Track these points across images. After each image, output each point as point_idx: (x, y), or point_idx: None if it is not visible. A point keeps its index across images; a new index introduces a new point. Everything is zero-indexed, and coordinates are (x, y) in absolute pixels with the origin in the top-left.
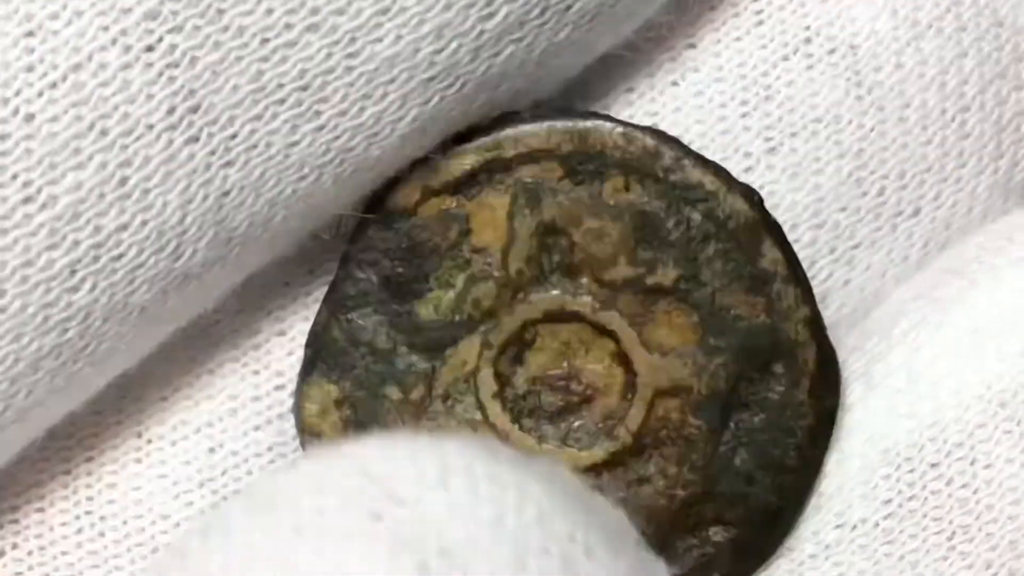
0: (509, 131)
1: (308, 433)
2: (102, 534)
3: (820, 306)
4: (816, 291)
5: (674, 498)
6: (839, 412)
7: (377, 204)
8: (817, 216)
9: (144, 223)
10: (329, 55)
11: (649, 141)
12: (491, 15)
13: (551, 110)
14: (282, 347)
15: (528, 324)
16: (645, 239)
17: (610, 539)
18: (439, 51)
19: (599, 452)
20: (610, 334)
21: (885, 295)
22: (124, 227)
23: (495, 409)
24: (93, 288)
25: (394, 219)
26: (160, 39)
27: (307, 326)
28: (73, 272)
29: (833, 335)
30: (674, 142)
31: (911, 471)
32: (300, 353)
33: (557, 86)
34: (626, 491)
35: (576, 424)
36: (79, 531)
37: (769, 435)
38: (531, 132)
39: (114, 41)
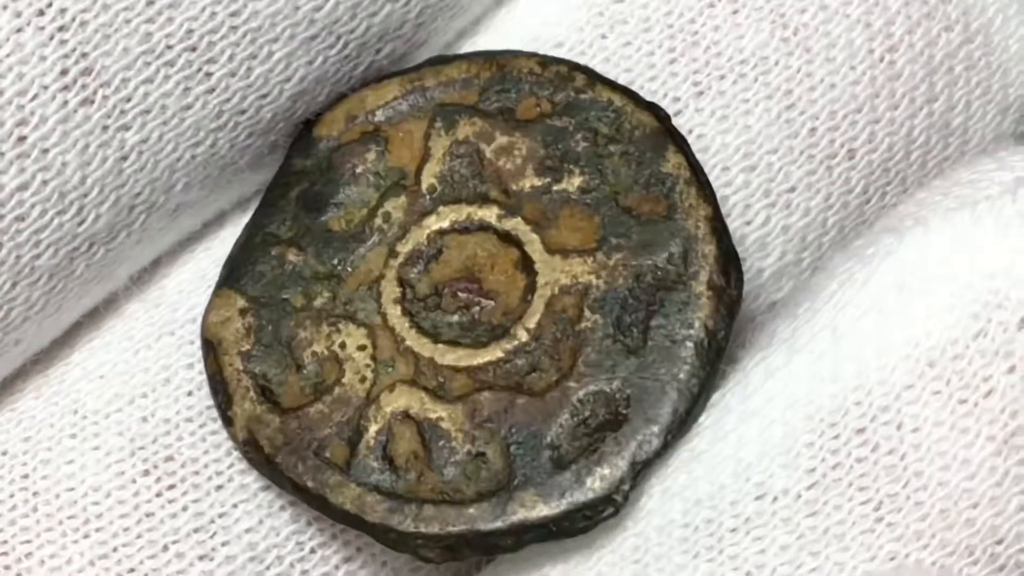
0: (432, 66)
1: (210, 339)
2: (35, 509)
3: (760, 254)
4: (755, 237)
5: (567, 391)
6: (758, 364)
7: (301, 135)
8: (748, 158)
9: (45, 183)
10: (213, 14)
11: (563, 67)
12: None
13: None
14: None
15: (435, 235)
16: (553, 151)
17: None
18: (318, 8)
19: (494, 350)
20: (515, 242)
21: (827, 244)
22: (25, 186)
23: (394, 312)
24: None
25: (315, 144)
26: (50, 3)
27: None
28: None
29: (775, 285)
30: (588, 70)
31: (835, 438)
32: None
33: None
34: (518, 388)
35: (473, 325)
36: (12, 508)
37: (668, 328)
38: (453, 65)
39: (5, 6)
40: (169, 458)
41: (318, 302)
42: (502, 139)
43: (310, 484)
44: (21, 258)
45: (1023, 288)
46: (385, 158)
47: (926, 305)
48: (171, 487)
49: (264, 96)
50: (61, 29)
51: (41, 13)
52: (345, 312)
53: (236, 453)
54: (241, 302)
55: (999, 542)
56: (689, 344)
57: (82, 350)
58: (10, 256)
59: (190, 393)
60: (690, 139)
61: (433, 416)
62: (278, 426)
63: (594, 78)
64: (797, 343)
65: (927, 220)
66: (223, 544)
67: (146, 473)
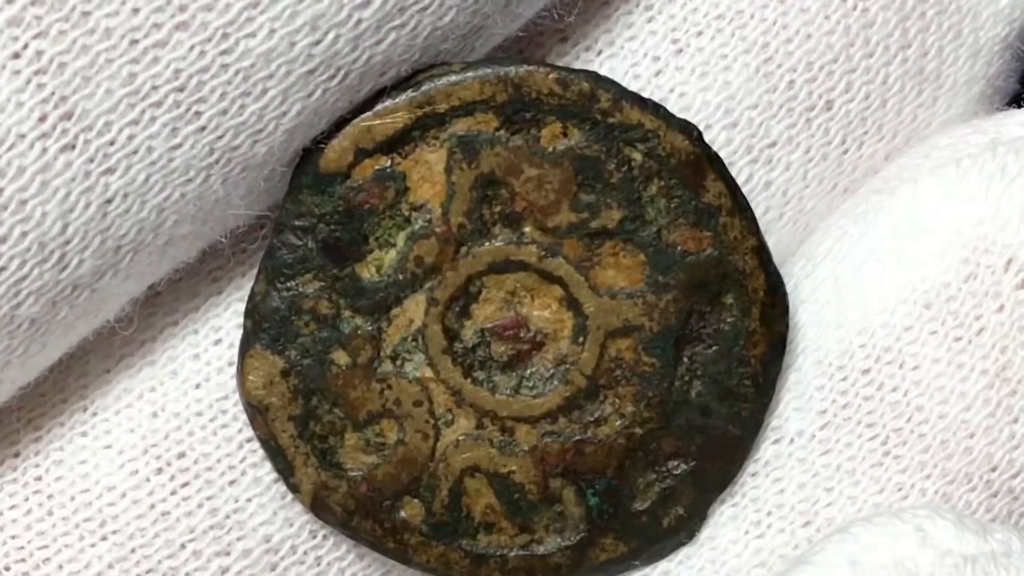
0: (440, 83)
1: (254, 407)
2: (50, 513)
3: None
4: None
5: (632, 436)
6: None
7: (307, 164)
8: (730, 115)
9: (24, 234)
10: (202, 53)
11: (585, 85)
12: (367, 3)
13: (480, 61)
14: (218, 305)
15: (473, 277)
16: (586, 183)
17: None
18: (316, 43)
19: (554, 398)
20: (557, 280)
21: (807, 197)
22: (3, 239)
23: (446, 364)
24: None
25: (327, 182)
26: (26, 45)
27: (243, 282)
28: None
29: (801, 247)
30: (610, 83)
31: (844, 379)
32: (236, 308)
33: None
34: (583, 434)
35: (528, 372)
36: (28, 512)
37: (723, 366)
38: (463, 84)
39: None
40: (182, 454)
41: (362, 359)
42: (530, 171)
43: (391, 546)
44: (0, 309)
45: (1008, 233)
46: (407, 196)
47: (920, 253)
48: (185, 484)
49: (259, 132)
50: (38, 72)
51: (16, 56)
52: (394, 369)
53: (248, 446)
54: (281, 363)
55: (993, 469)
56: (747, 383)
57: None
58: None
59: (198, 386)
60: (672, 99)
61: (504, 470)
62: (347, 491)
63: (619, 95)
64: (801, 294)
65: (915, 178)
66: (239, 539)
67: (159, 471)
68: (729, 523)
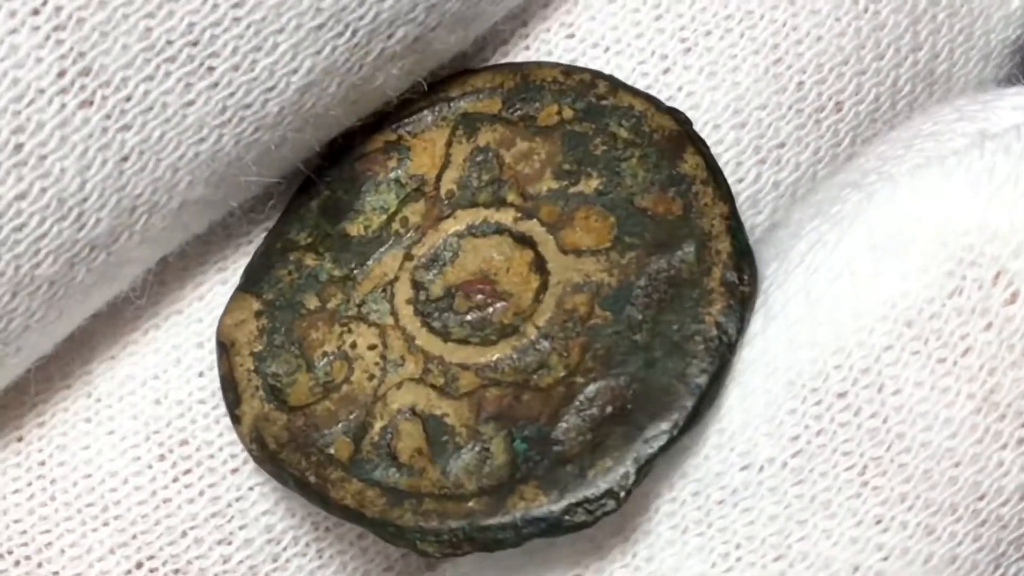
0: (460, 77)
1: (221, 343)
2: (53, 497)
3: (753, 211)
4: (747, 194)
5: (572, 384)
6: (741, 337)
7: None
8: (738, 115)
9: (43, 191)
10: (215, 6)
11: (587, 75)
12: None
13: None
14: (224, 294)
15: (451, 237)
16: (572, 155)
17: None
18: None
19: (502, 346)
20: (529, 242)
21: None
22: (23, 195)
23: (407, 313)
24: None
25: (341, 155)
26: (45, 2)
27: None
28: None
29: (772, 237)
30: (610, 78)
31: (817, 403)
32: None
33: (459, 40)
34: (523, 381)
35: (484, 324)
36: (31, 497)
37: (676, 320)
38: (479, 75)
39: None
40: (184, 441)
41: (331, 304)
42: (522, 145)
43: (312, 480)
44: (20, 268)
45: (996, 244)
46: (406, 165)
47: (900, 265)
48: (187, 471)
49: (270, 89)
50: (57, 28)
51: (36, 12)
52: (358, 313)
53: None
54: (256, 305)
55: (981, 498)
56: (698, 339)
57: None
58: (9, 267)
59: (201, 374)
60: (680, 97)
61: (438, 412)
62: (284, 423)
63: (616, 85)
64: (771, 308)
65: (894, 177)
66: (241, 528)
67: (162, 458)
68: (696, 554)
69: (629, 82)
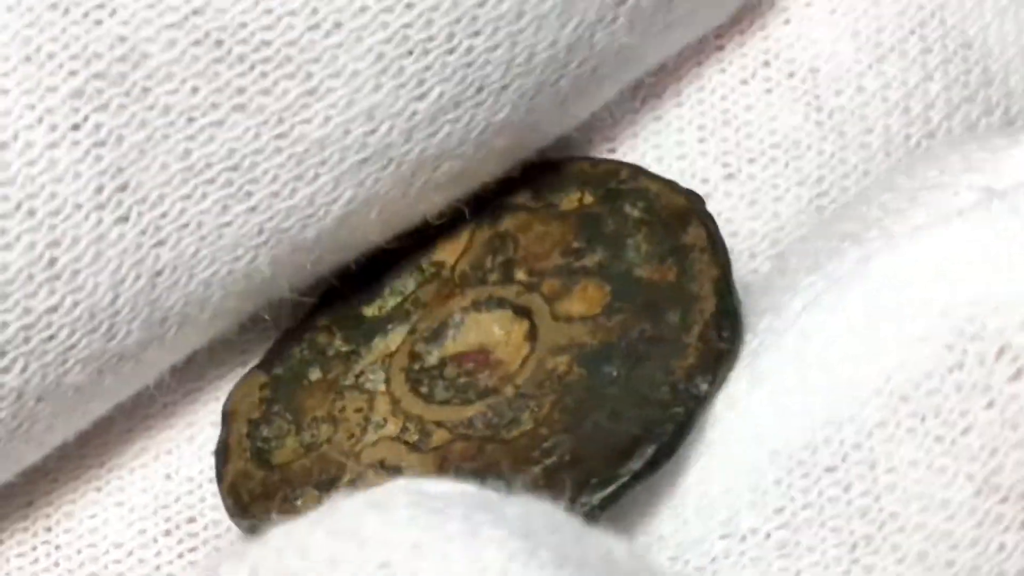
0: None
1: (226, 411)
2: (57, 564)
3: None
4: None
5: (536, 435)
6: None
7: None
8: (776, 245)
9: (75, 304)
10: (257, 135)
11: (612, 165)
12: (423, 95)
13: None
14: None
15: (457, 313)
16: (583, 234)
17: None
18: (371, 132)
19: (479, 405)
20: (527, 314)
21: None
22: (54, 308)
23: (399, 379)
24: (24, 369)
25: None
26: (86, 118)
27: None
28: (3, 353)
29: (767, 283)
30: (634, 166)
31: (805, 476)
32: None
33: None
34: (492, 436)
35: (469, 387)
36: (35, 561)
37: (648, 376)
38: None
39: (40, 120)
40: (191, 519)
41: (332, 375)
42: (539, 228)
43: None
44: (47, 376)
45: (1000, 317)
46: (431, 254)
47: (898, 336)
48: (192, 549)
49: (309, 216)
50: (97, 144)
51: (76, 127)
52: (355, 383)
53: None
54: (263, 379)
55: None
56: (665, 389)
57: None
58: (36, 375)
59: (213, 452)
60: (719, 222)
61: (404, 465)
62: (261, 479)
63: (638, 171)
64: (760, 371)
65: (894, 236)
66: None
67: (168, 533)
68: None
69: None
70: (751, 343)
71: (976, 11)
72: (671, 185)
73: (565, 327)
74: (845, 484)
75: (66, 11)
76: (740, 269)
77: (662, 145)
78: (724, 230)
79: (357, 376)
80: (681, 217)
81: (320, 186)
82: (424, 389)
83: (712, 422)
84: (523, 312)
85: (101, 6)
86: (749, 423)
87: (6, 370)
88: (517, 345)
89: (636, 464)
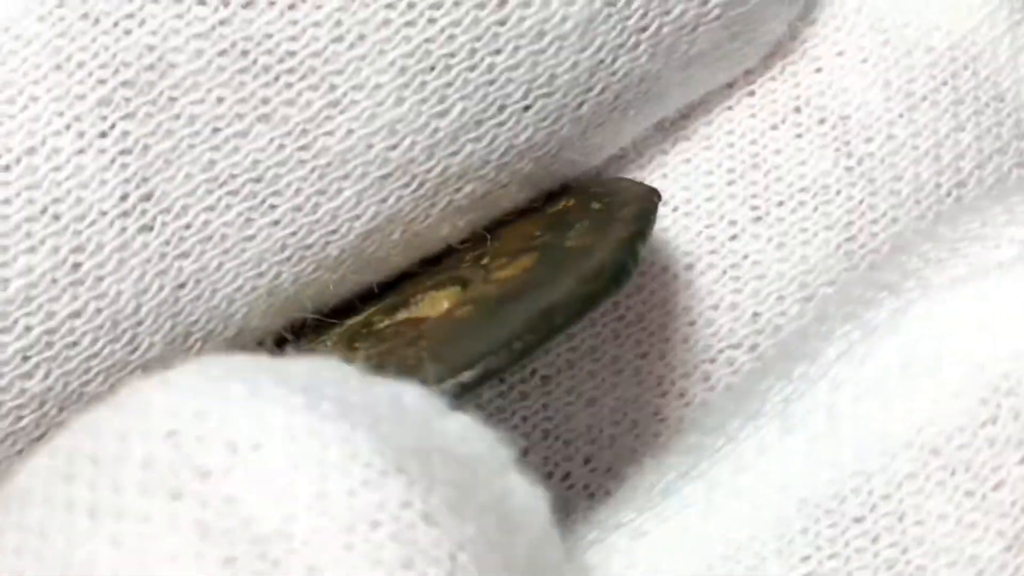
0: None
1: None
2: None
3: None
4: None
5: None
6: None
7: None
8: (804, 289)
9: (98, 311)
10: (281, 146)
11: (609, 180)
12: (445, 112)
13: None
14: None
15: (419, 293)
16: (548, 225)
17: (459, 491)
18: (393, 147)
19: (387, 346)
20: (466, 284)
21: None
22: (77, 314)
23: (343, 340)
24: (47, 376)
25: None
26: (113, 125)
27: None
28: (26, 358)
29: (804, 330)
30: (628, 180)
31: (832, 525)
32: None
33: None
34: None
35: (391, 338)
36: None
37: (518, 311)
38: None
39: (68, 126)
40: None
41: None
42: (520, 227)
43: None
44: (69, 384)
45: None
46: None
47: (931, 389)
48: None
49: (332, 232)
50: (123, 152)
51: (103, 135)
52: (310, 347)
53: None
54: None
55: None
56: (522, 319)
57: None
58: (58, 383)
59: None
60: (746, 265)
61: None
62: None
63: (623, 180)
64: (791, 419)
65: (933, 287)
66: None
67: None
68: None
69: (694, 245)
70: (784, 389)
71: (1010, 64)
72: (638, 184)
73: (486, 287)
74: (873, 535)
75: (96, 21)
76: (767, 312)
77: (691, 187)
78: (752, 271)
79: (313, 342)
80: (625, 202)
81: (343, 201)
82: (357, 344)
83: (741, 468)
84: (465, 283)
85: (131, 16)
86: (778, 470)
87: (28, 375)
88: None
89: (467, 376)
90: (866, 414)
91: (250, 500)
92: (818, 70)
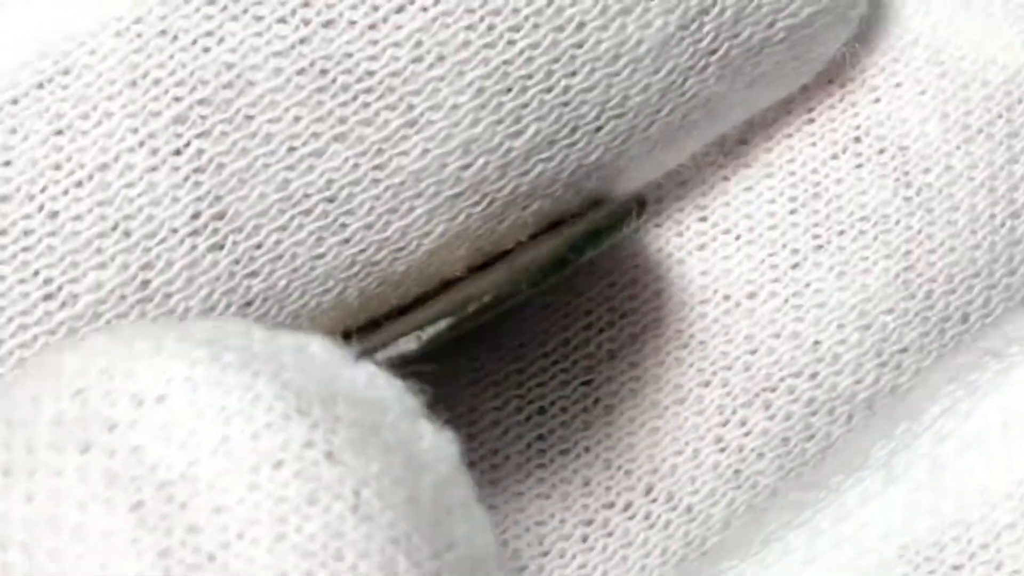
0: None
1: None
2: None
3: (867, 412)
4: (863, 396)
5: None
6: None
7: None
8: (864, 317)
9: None
10: (356, 166)
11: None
12: (519, 133)
13: None
14: None
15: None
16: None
17: (363, 432)
18: (466, 167)
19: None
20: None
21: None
22: None
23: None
24: None
25: None
26: (188, 143)
27: None
28: None
29: (907, 397)
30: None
31: (931, 572)
32: None
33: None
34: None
35: None
36: None
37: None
38: None
39: (142, 143)
40: None
41: None
42: (536, 240)
43: None
44: None
45: None
46: None
47: None
48: None
49: (400, 249)
50: (197, 171)
51: (178, 153)
52: None
53: None
54: None
55: None
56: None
57: None
58: None
59: None
60: (807, 293)
61: None
62: None
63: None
64: (895, 470)
65: None
66: None
67: None
68: None
69: (756, 273)
70: (888, 445)
71: None
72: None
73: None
74: None
75: (175, 38)
76: (828, 340)
77: (753, 216)
78: (813, 300)
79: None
80: (609, 207)
81: (414, 219)
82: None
83: (843, 516)
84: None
85: (210, 33)
86: (880, 519)
87: None
88: None
89: (411, 344)
90: (968, 466)
91: (155, 448)
92: (876, 100)
